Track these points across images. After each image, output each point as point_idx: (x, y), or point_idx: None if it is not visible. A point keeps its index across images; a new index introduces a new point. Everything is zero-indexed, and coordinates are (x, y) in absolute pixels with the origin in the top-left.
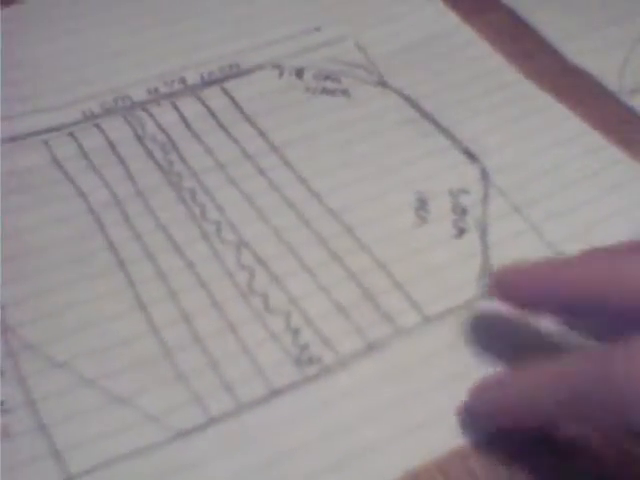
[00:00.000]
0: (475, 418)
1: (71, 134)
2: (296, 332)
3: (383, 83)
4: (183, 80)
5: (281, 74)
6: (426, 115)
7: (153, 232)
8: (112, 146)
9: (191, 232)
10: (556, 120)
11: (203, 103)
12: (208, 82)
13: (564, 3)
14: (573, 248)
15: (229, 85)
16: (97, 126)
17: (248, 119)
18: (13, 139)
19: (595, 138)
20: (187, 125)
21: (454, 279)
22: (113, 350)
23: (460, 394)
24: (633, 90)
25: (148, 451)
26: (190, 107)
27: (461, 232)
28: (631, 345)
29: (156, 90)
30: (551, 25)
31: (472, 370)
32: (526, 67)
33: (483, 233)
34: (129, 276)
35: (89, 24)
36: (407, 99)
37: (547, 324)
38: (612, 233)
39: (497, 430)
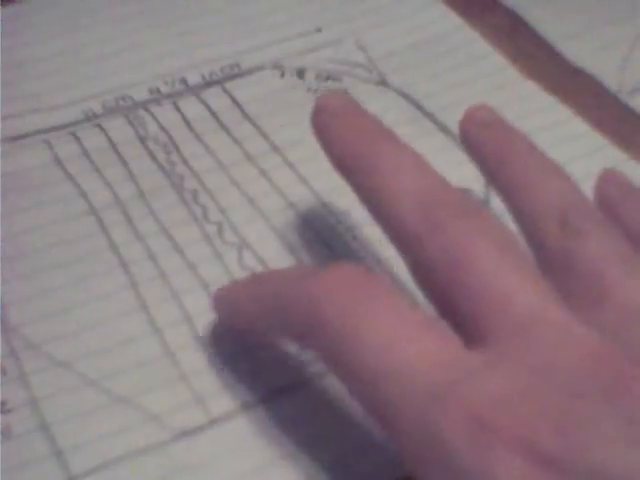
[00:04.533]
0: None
1: (72, 134)
2: None
3: (384, 83)
4: (184, 80)
5: (282, 74)
6: (427, 114)
7: (155, 233)
8: (114, 146)
9: (193, 233)
10: (557, 120)
11: (204, 103)
12: (209, 82)
13: (564, 3)
14: None
15: (230, 85)
16: (98, 126)
17: (249, 120)
18: (14, 139)
19: (596, 139)
20: (189, 126)
21: None
22: (115, 350)
23: None
24: (633, 90)
25: (150, 451)
26: (191, 107)
27: None
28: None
29: (157, 90)
30: (551, 25)
31: None
32: (526, 67)
33: None
34: (131, 277)
35: (90, 23)
36: (408, 98)
37: None
38: None
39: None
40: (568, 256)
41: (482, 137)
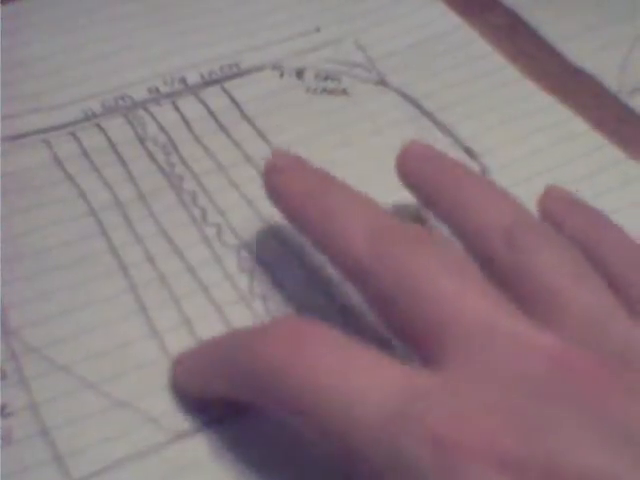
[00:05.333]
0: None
1: (72, 133)
2: None
3: (383, 82)
4: (183, 79)
5: (281, 74)
6: (426, 114)
7: (154, 235)
8: (113, 146)
9: (192, 235)
10: (557, 120)
11: (203, 103)
12: (208, 82)
13: (564, 3)
14: None
15: (229, 85)
16: (98, 125)
17: (248, 120)
18: (13, 138)
19: (596, 138)
20: (188, 126)
21: None
22: (114, 353)
23: None
24: (633, 90)
25: (149, 454)
26: (191, 107)
27: None
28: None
29: (157, 89)
30: (551, 25)
31: None
32: (526, 67)
33: None
34: (130, 280)
35: (89, 22)
36: (407, 98)
37: None
38: None
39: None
40: (518, 271)
41: (420, 166)
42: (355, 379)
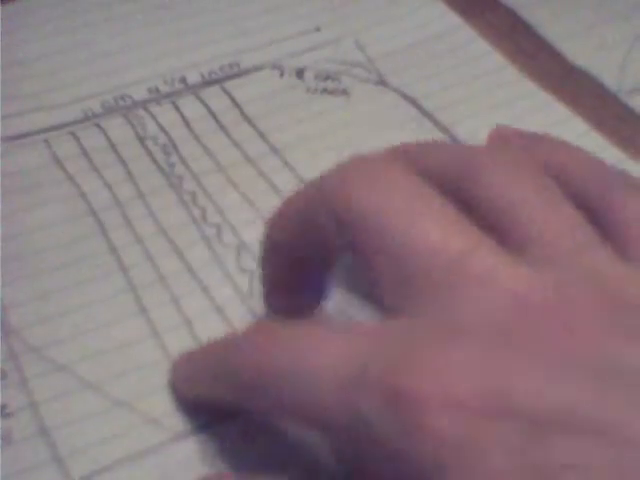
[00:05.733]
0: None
1: (72, 133)
2: None
3: (383, 82)
4: (184, 79)
5: (282, 74)
6: (426, 114)
7: (153, 235)
8: (113, 146)
9: (191, 235)
10: (557, 120)
11: (203, 103)
12: (209, 82)
13: (564, 3)
14: None
15: (229, 85)
16: (98, 125)
17: (249, 120)
18: (13, 138)
19: (596, 139)
20: (188, 126)
21: None
22: (114, 354)
23: None
24: (633, 90)
25: (148, 454)
26: (191, 107)
27: None
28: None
29: (157, 89)
30: (551, 25)
31: None
32: (526, 67)
33: None
34: (130, 280)
35: (89, 22)
36: (407, 98)
37: None
38: None
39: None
40: (491, 209)
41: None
42: (310, 358)
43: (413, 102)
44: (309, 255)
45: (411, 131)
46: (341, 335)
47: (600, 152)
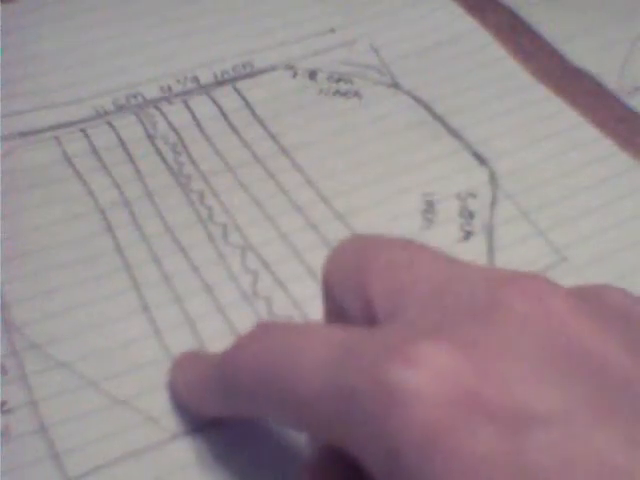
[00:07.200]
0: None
1: (83, 130)
2: None
3: (395, 85)
4: (196, 79)
5: (295, 75)
6: (437, 117)
7: (160, 234)
8: (123, 144)
9: (197, 235)
10: (567, 126)
11: (215, 103)
12: (221, 81)
13: (564, 3)
14: (579, 254)
15: (242, 85)
16: (109, 123)
17: (260, 121)
18: (24, 134)
19: (606, 145)
20: (199, 125)
21: None
22: (116, 352)
23: None
24: (633, 90)
25: (147, 453)
26: (202, 107)
27: (467, 235)
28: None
29: (169, 88)
30: (551, 25)
31: None
32: (526, 67)
33: (489, 237)
34: (134, 278)
35: (101, 20)
36: (419, 101)
37: None
38: (619, 240)
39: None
40: None
41: None
42: (300, 355)
43: (425, 105)
44: None
45: (422, 135)
46: (329, 329)
47: (611, 159)
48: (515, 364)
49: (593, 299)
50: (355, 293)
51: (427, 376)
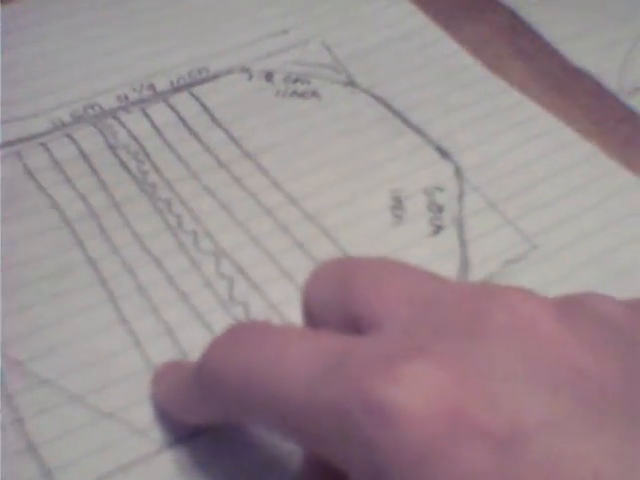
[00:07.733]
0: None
1: (43, 144)
2: None
3: (352, 83)
4: (152, 86)
5: (250, 77)
6: (397, 114)
7: (130, 245)
8: (85, 156)
9: (168, 243)
10: (526, 116)
11: (173, 109)
12: (177, 88)
13: (564, 3)
14: (549, 241)
15: (199, 90)
16: (68, 136)
17: (219, 125)
18: None
19: (566, 134)
20: (159, 133)
21: None
22: (97, 365)
23: None
24: (633, 90)
25: (136, 465)
26: (161, 114)
27: (438, 229)
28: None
29: (126, 97)
30: (551, 25)
31: None
32: (526, 67)
33: (460, 229)
34: (109, 290)
35: (54, 31)
36: (377, 98)
37: None
38: (588, 225)
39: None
40: None
41: None
42: (281, 363)
43: (384, 103)
44: None
45: (383, 132)
46: (315, 336)
47: (572, 147)
48: (501, 379)
49: (579, 309)
50: (339, 310)
51: (414, 394)
